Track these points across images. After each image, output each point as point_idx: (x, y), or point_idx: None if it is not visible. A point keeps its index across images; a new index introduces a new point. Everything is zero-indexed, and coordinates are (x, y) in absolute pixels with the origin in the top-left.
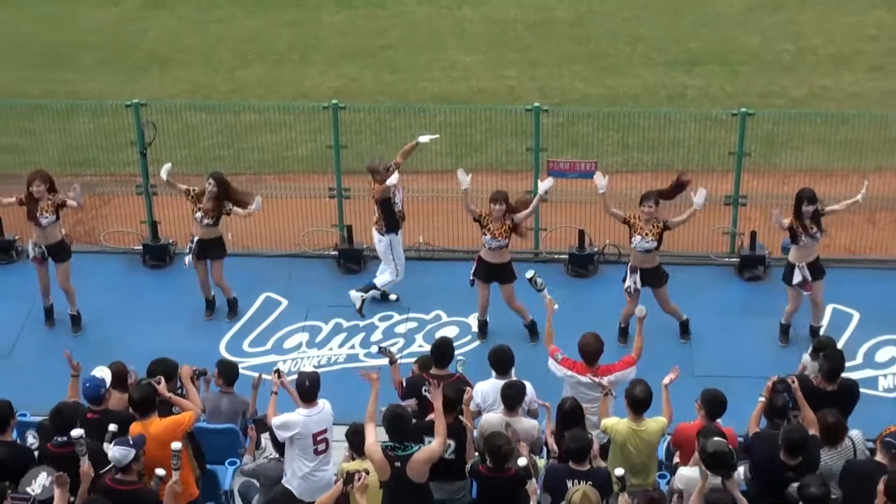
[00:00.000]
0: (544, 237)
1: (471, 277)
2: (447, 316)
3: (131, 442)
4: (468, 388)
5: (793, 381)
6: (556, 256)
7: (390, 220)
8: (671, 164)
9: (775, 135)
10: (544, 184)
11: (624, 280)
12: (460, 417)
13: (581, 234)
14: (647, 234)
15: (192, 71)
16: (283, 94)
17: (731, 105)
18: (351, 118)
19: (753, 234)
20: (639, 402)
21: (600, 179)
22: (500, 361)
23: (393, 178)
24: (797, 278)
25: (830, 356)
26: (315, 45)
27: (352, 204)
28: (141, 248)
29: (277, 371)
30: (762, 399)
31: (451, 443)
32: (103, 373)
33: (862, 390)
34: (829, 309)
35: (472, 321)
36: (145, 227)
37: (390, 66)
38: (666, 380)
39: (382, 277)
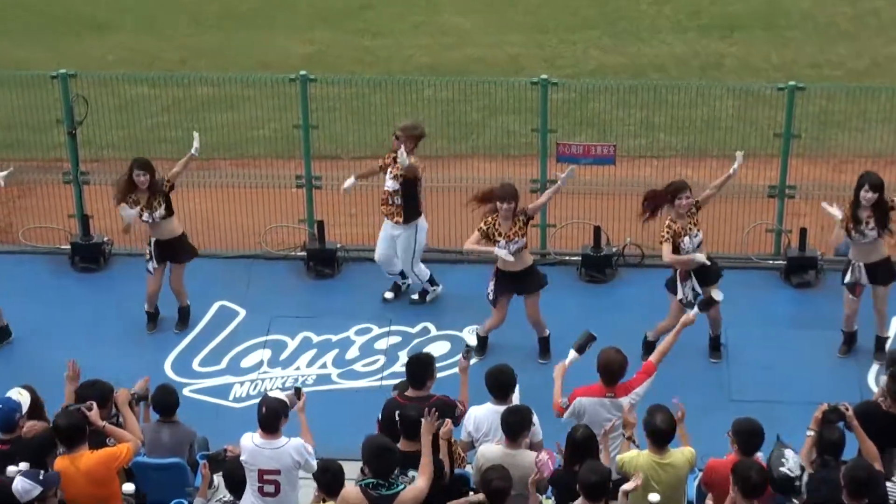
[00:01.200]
0: (553, 235)
1: (490, 296)
2: (436, 329)
3: (41, 477)
4: (459, 406)
5: (846, 409)
6: (568, 258)
7: (414, 206)
8: (705, 147)
9: (830, 113)
10: (565, 173)
11: (672, 289)
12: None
13: (597, 231)
14: (692, 232)
15: (132, 36)
16: (242, 63)
17: (776, 78)
18: (323, 93)
19: (803, 232)
20: (660, 434)
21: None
22: (500, 384)
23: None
24: (847, 277)
25: None
26: (281, 5)
27: (323, 195)
28: (69, 247)
29: (297, 390)
30: (811, 433)
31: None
32: (20, 395)
33: None
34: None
35: (468, 335)
36: (74, 223)
37: (370, 30)
38: (678, 414)
39: (418, 270)
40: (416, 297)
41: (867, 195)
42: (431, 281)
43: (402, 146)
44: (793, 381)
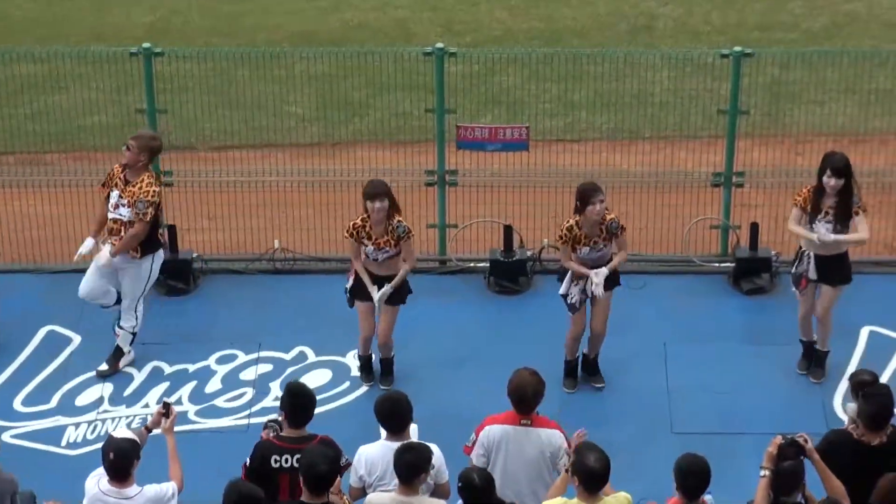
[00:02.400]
0: (454, 238)
1: (347, 295)
2: (315, 354)
3: None
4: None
5: (806, 441)
6: (473, 265)
7: (153, 234)
8: (636, 128)
9: (783, 84)
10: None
11: (567, 295)
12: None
13: (508, 232)
14: (595, 244)
15: None
16: (72, 35)
17: (719, 43)
18: (172, 69)
19: (754, 228)
20: (594, 476)
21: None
22: (394, 414)
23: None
24: (797, 267)
25: (873, 395)
26: None
27: (175, 194)
28: None
29: (165, 405)
30: (765, 473)
31: None
32: None
33: None
34: (864, 333)
35: (351, 360)
36: None
37: None
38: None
39: (140, 311)
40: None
41: (830, 182)
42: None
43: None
44: (745, 407)
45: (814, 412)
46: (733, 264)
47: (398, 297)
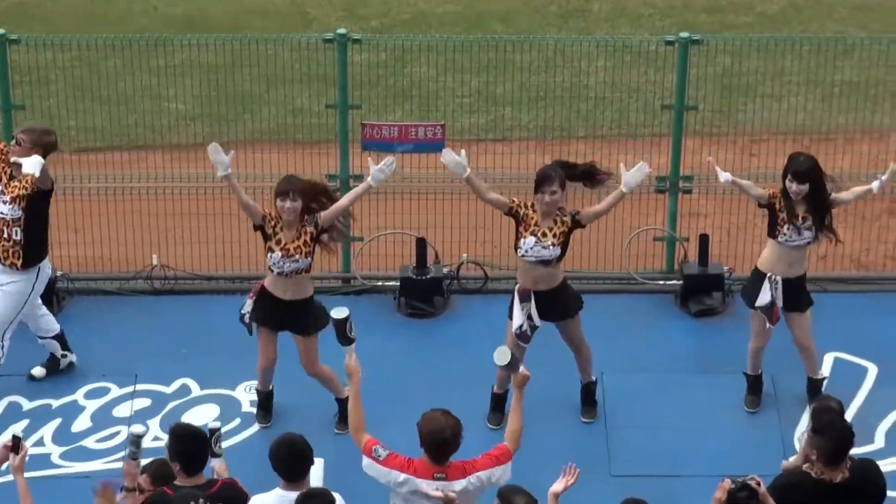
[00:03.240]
0: (359, 252)
1: (246, 321)
2: (200, 387)
3: None
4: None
5: (758, 485)
6: (381, 284)
7: (40, 243)
8: (568, 126)
9: (736, 75)
10: (449, 157)
11: (510, 314)
12: None
13: (421, 246)
14: (545, 236)
15: None
16: None
17: (663, 28)
18: (31, 59)
19: (704, 241)
20: None
21: (451, 157)
22: (292, 460)
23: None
24: (764, 297)
25: (830, 427)
26: None
27: None
28: None
29: (14, 438)
30: None
31: None
32: None
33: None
34: (828, 360)
35: (242, 394)
36: None
37: None
38: (557, 486)
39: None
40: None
41: (792, 187)
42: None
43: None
44: (692, 446)
45: (771, 451)
46: (680, 282)
47: (304, 325)
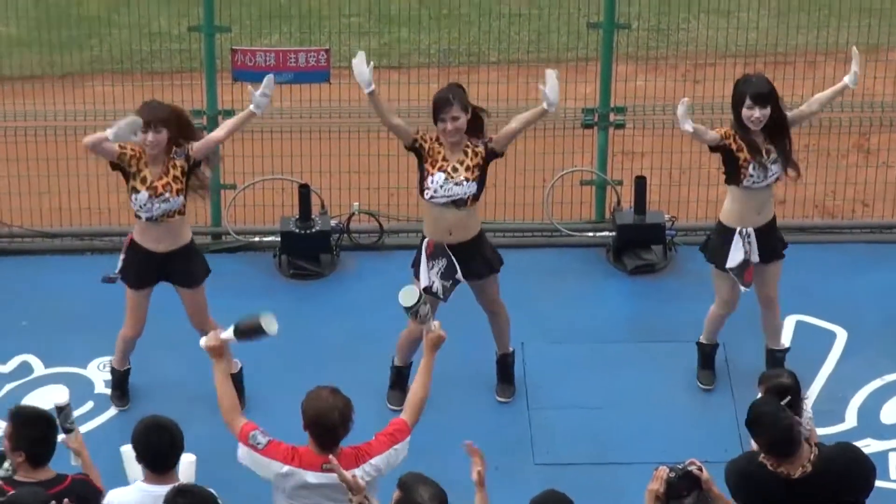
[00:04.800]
0: (231, 202)
1: (113, 275)
2: (44, 365)
3: None
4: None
5: (700, 470)
6: (258, 240)
7: None
8: (478, 50)
9: None
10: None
11: (416, 272)
12: None
13: (304, 194)
14: (455, 171)
15: None
16: None
17: None
18: None
19: (640, 184)
20: None
21: (361, 65)
22: (160, 448)
23: None
24: (735, 256)
25: (758, 422)
26: None
27: None
28: None
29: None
30: None
31: None
32: None
33: None
34: (788, 324)
35: (95, 373)
36: None
37: None
38: (473, 474)
39: None
40: None
41: (753, 114)
42: None
43: None
44: (628, 429)
45: (723, 435)
46: (613, 234)
47: (191, 276)
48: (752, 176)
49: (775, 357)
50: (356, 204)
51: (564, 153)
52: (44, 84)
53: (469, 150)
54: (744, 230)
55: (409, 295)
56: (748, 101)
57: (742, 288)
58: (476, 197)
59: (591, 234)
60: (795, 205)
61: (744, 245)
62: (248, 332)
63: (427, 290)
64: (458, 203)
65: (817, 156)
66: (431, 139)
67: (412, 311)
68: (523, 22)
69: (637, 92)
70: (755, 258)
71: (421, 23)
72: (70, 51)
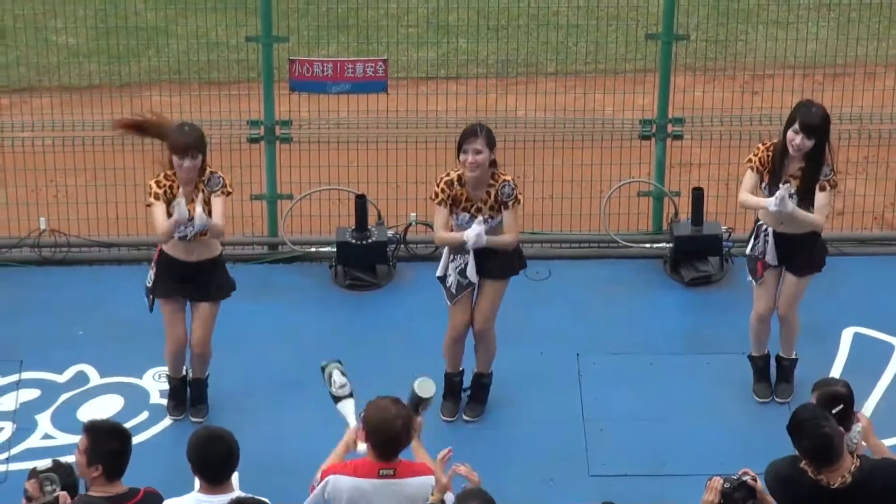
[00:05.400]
0: (288, 214)
1: (147, 295)
2: (100, 375)
3: None
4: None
5: (755, 480)
6: (315, 251)
7: None
8: (535, 61)
9: None
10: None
11: (445, 277)
12: None
13: (361, 204)
14: (479, 211)
15: None
16: None
17: None
18: None
19: (698, 196)
20: None
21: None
22: (216, 458)
23: None
24: (754, 245)
25: (798, 429)
26: None
27: None
28: None
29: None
30: None
31: None
32: None
33: None
34: (846, 336)
35: (151, 382)
36: None
37: None
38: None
39: None
40: None
41: (796, 140)
42: None
43: None
44: (684, 441)
45: (778, 447)
46: (670, 245)
47: (215, 288)
48: (767, 189)
49: (782, 364)
50: (413, 214)
51: (622, 164)
52: (102, 94)
53: (492, 192)
54: (764, 226)
55: (426, 387)
56: (796, 126)
57: (752, 281)
58: (499, 223)
59: (648, 245)
60: (854, 216)
61: (759, 241)
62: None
63: (441, 279)
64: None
65: (876, 167)
66: (458, 180)
67: (423, 403)
68: (581, 33)
69: (695, 103)
70: (771, 258)
71: (479, 33)
72: (128, 61)
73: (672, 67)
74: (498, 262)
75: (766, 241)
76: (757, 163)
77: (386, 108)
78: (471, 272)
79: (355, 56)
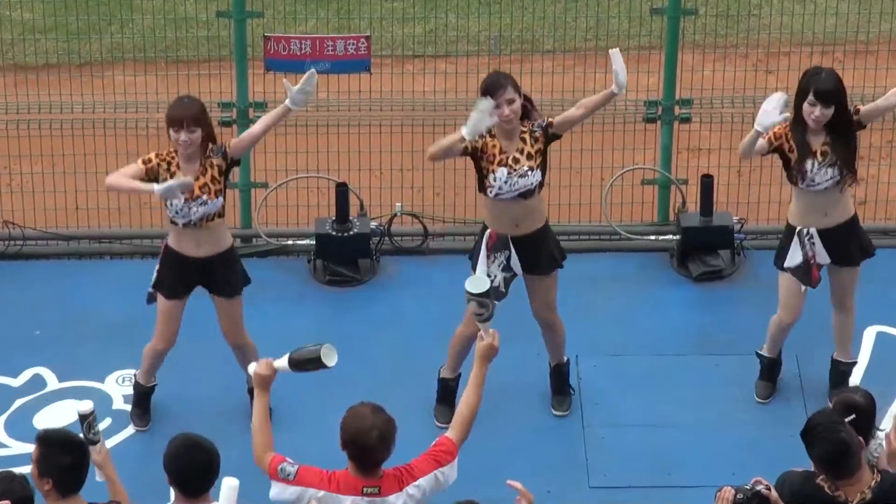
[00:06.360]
0: (262, 204)
1: (150, 289)
2: (58, 379)
3: None
4: None
5: (769, 489)
6: (292, 244)
7: None
8: (532, 38)
9: None
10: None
11: (473, 264)
12: None
13: (342, 193)
14: (517, 162)
15: None
16: None
17: None
18: None
19: (707, 184)
20: None
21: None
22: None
23: None
24: (794, 257)
25: (811, 433)
26: None
27: None
28: None
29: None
30: None
31: None
32: None
33: None
34: (868, 336)
35: (113, 387)
36: None
37: None
38: None
39: None
40: None
41: (814, 111)
42: None
43: None
44: (692, 449)
45: (795, 453)
46: (677, 237)
47: (229, 285)
48: (807, 177)
49: (839, 369)
50: (399, 204)
51: (625, 149)
52: (60, 73)
53: (527, 136)
54: (805, 230)
55: (478, 283)
56: (811, 97)
57: (805, 288)
58: (542, 184)
59: (653, 237)
60: (878, 205)
61: (803, 246)
62: (305, 362)
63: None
64: (525, 195)
65: None
66: (482, 136)
67: (478, 300)
68: (581, 7)
69: (704, 83)
70: (823, 259)
71: (469, 8)
72: (89, 37)
73: (679, 44)
74: (541, 257)
75: (812, 245)
76: (771, 136)
77: (369, 88)
78: (515, 263)
79: (335, 33)
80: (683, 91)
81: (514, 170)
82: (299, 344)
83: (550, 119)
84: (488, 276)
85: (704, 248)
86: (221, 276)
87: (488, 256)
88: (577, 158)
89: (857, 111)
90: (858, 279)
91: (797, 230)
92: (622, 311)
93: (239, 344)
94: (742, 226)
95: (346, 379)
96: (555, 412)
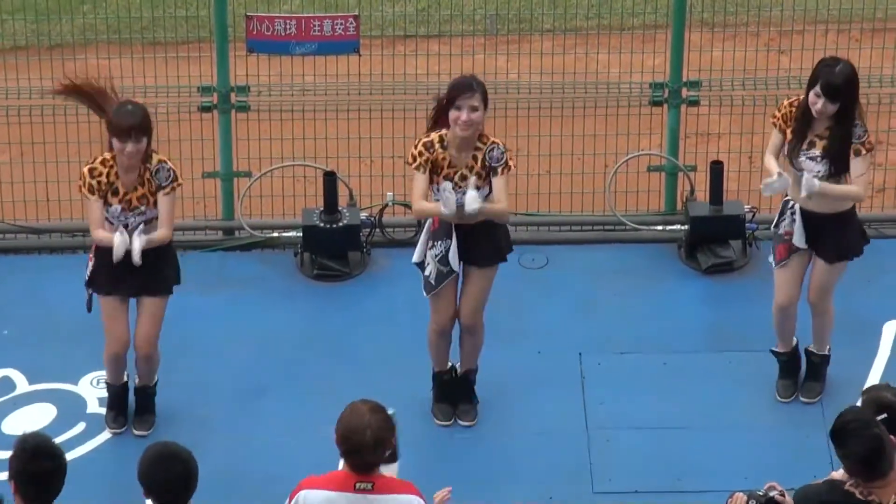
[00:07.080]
0: (246, 194)
1: (87, 289)
2: (28, 381)
3: None
4: None
5: (783, 495)
6: (277, 236)
7: None
8: (530, 17)
9: None
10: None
11: (423, 264)
12: None
13: (330, 182)
14: (463, 180)
15: None
16: None
17: None
18: None
19: (717, 171)
20: None
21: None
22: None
23: None
24: (780, 222)
25: (843, 431)
26: None
27: None
28: None
29: None
30: None
31: None
32: None
33: None
34: (887, 331)
35: (88, 389)
36: None
37: None
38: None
39: None
40: None
41: (818, 104)
42: None
43: None
44: (703, 451)
45: (813, 456)
46: (685, 227)
47: (161, 281)
48: (791, 158)
49: (811, 359)
50: (390, 194)
51: (630, 134)
52: (29, 56)
53: (479, 156)
54: (792, 204)
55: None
56: (817, 88)
57: (772, 263)
58: (487, 196)
59: (660, 227)
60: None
61: (787, 216)
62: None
63: (419, 265)
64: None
65: None
66: (440, 141)
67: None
68: None
69: (713, 64)
70: (799, 241)
71: None
72: (59, 18)
73: (687, 23)
74: (484, 247)
75: (792, 220)
76: (781, 121)
77: (358, 71)
78: (453, 259)
79: (322, 12)
80: (691, 72)
81: (460, 187)
82: (285, 343)
83: (510, 166)
84: (423, 260)
85: (714, 239)
86: (155, 270)
87: (427, 242)
88: (579, 144)
89: (863, 150)
90: (837, 282)
91: (784, 200)
92: (627, 306)
93: (150, 353)
94: (754, 215)
95: (336, 377)
96: (462, 423)
